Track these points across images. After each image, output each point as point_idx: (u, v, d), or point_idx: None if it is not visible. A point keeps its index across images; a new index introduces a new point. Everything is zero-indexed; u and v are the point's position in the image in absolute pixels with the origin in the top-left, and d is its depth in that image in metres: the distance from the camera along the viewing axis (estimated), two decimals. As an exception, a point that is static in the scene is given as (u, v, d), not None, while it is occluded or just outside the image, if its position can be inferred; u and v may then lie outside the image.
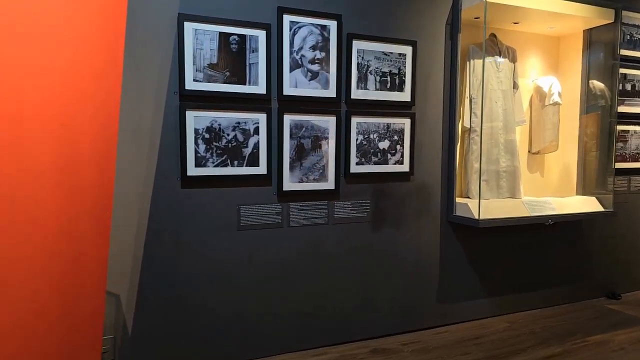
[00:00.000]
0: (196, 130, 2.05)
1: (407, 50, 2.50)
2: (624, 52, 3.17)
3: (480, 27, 2.88)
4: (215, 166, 2.10)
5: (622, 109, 3.21)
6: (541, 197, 2.98)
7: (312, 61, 2.27)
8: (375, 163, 2.48)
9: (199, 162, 2.07)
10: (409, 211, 2.61)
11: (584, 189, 3.11)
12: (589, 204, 2.95)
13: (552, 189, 3.26)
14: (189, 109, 2.03)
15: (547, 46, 3.19)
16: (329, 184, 2.36)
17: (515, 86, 2.96)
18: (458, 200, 2.70)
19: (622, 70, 3.18)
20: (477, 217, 2.51)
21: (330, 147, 2.35)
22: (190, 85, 2.02)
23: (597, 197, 3.00)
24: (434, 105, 2.63)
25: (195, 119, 2.05)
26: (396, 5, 2.47)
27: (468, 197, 2.85)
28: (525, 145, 3.16)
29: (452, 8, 2.63)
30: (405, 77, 2.51)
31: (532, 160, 3.19)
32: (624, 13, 3.14)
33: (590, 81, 3.09)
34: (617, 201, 3.27)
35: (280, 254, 2.29)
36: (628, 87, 3.23)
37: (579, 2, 2.73)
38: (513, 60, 2.94)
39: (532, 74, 3.14)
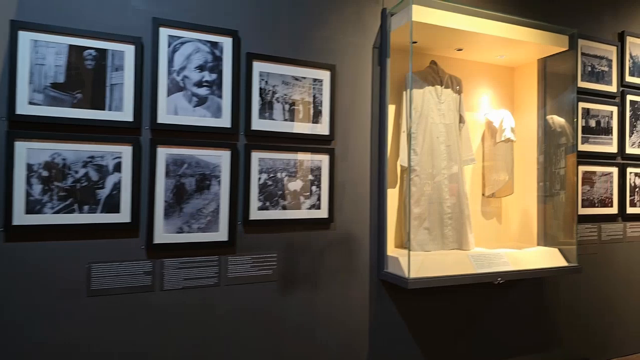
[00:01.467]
0: (30, 167, 1.59)
1: (324, 75, 2.11)
2: (585, 84, 2.84)
3: (421, 53, 2.54)
4: (55, 212, 1.62)
5: (586, 147, 2.84)
6: (497, 248, 2.53)
7: (199, 84, 1.86)
8: (285, 208, 2.03)
9: (33, 208, 1.60)
10: (329, 267, 2.13)
11: (545, 239, 2.67)
12: (551, 257, 2.50)
13: (511, 238, 2.82)
14: (19, 139, 1.58)
15: (501, 77, 2.84)
16: (221, 234, 1.89)
17: (461, 120, 2.58)
18: (391, 253, 2.24)
19: (585, 105, 2.84)
20: (407, 275, 2.04)
21: (223, 188, 1.90)
22: (23, 108, 1.58)
23: (560, 249, 2.56)
24: (359, 139, 2.22)
25: (30, 152, 1.59)
26: (310, 23, 2.11)
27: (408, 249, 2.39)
28: (479, 188, 2.75)
29: (381, 29, 2.28)
30: (322, 106, 2.11)
31: (487, 204, 2.76)
32: (584, 42, 2.84)
33: (550, 116, 2.73)
34: (586, 252, 2.84)
35: (149, 328, 1.78)
36: (592, 123, 2.87)
37: (526, 26, 2.41)
38: (458, 91, 2.57)
39: (484, 108, 2.78)
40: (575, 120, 2.56)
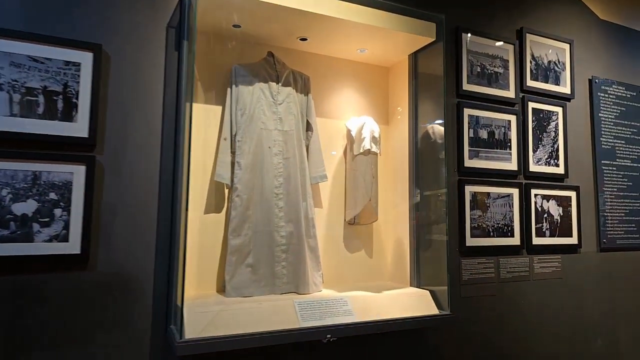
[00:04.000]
0: None
1: (83, 57, 1.56)
2: (473, 87, 2.37)
3: (254, 42, 2.03)
4: None
5: (475, 163, 2.33)
6: (359, 289, 1.96)
7: None
8: (5, 240, 1.43)
9: None
10: (85, 327, 1.51)
11: (419, 278, 2.11)
12: (420, 303, 1.93)
13: (384, 275, 2.26)
14: None
15: (374, 79, 2.35)
16: None
17: (309, 128, 2.05)
18: (188, 303, 1.63)
19: (473, 112, 2.35)
20: (179, 335, 1.44)
21: None
22: None
23: (434, 291, 2.00)
24: (144, 146, 1.65)
25: None
26: (64, -11, 1.58)
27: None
28: (340, 212, 2.19)
29: (180, 3, 1.76)
30: (78, 98, 1.55)
31: (353, 234, 2.20)
32: (471, 38, 2.38)
33: (430, 126, 2.23)
34: (480, 294, 2.29)
35: None
36: (483, 134, 2.38)
37: (381, 9, 1.93)
38: (304, 91, 2.05)
39: (351, 115, 2.26)
40: (445, 129, 2.05)
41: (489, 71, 2.42)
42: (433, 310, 1.91)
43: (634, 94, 2.99)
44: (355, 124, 2.12)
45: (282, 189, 1.90)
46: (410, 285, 2.10)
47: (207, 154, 1.89)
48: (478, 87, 2.37)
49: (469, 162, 2.30)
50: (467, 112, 2.32)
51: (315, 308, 1.70)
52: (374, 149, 2.08)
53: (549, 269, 2.51)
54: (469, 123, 2.33)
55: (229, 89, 1.90)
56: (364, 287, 2.02)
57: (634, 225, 2.86)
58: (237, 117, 1.88)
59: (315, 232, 1.97)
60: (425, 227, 2.12)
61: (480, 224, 2.30)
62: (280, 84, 1.96)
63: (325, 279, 2.07)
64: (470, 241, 2.26)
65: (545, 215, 2.51)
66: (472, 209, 2.29)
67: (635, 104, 2.98)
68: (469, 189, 2.28)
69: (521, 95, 2.52)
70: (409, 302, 1.91)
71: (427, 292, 1.98)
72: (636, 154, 2.93)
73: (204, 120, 1.91)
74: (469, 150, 2.31)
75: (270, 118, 1.92)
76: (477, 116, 2.35)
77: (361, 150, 2.06)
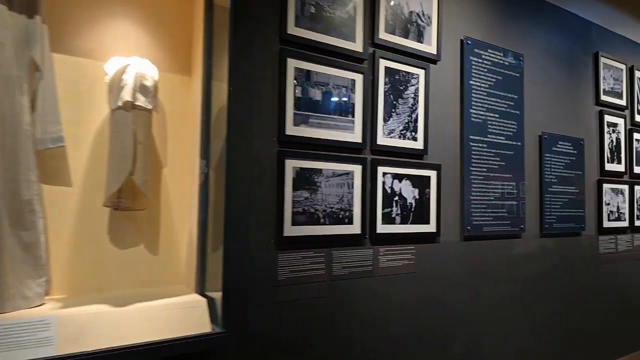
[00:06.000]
0: None
1: None
2: (302, 32, 1.83)
3: None
4: None
5: (303, 131, 1.81)
6: (106, 302, 1.37)
7: None
8: None
9: None
10: None
11: (203, 281, 1.57)
12: (188, 317, 1.40)
13: (180, 277, 1.70)
14: None
15: (174, 13, 1.75)
16: None
17: (37, 69, 1.40)
18: None
19: (303, 65, 1.82)
20: None
21: None
22: None
23: (214, 299, 1.47)
24: None
25: None
26: None
27: None
28: (98, 190, 1.58)
29: None
30: None
31: (126, 223, 1.60)
32: (305, -29, 1.83)
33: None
34: (305, 296, 1.81)
35: None
36: (316, 94, 1.86)
37: None
38: (27, 11, 1.39)
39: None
40: (229, 82, 1.49)
41: (328, 14, 1.90)
42: (203, 327, 1.38)
43: (513, 61, 2.64)
44: (115, 67, 1.50)
45: (-30, 156, 1.25)
46: (196, 291, 1.56)
47: None
48: (311, 33, 1.84)
49: (293, 130, 1.78)
50: (293, 63, 1.79)
51: (-18, 339, 1.09)
52: (142, 102, 1.48)
53: (400, 262, 2.09)
54: (295, 79, 1.80)
55: None
56: (123, 296, 1.44)
57: (504, 210, 2.54)
58: None
59: (37, 221, 1.35)
60: (219, 214, 1.58)
61: (306, 209, 1.80)
62: (-26, -3, 1.29)
63: (78, 285, 1.49)
64: (291, 230, 1.76)
65: (397, 198, 2.08)
66: (295, 189, 1.78)
67: (514, 73, 2.64)
68: (292, 164, 1.77)
69: (371, 50, 2.03)
70: (169, 317, 1.35)
71: (205, 300, 1.44)
72: (511, 129, 2.60)
73: None
74: (295, 114, 1.79)
75: (-47, 47, 1.25)
76: (307, 70, 1.83)
77: (119, 104, 1.45)
